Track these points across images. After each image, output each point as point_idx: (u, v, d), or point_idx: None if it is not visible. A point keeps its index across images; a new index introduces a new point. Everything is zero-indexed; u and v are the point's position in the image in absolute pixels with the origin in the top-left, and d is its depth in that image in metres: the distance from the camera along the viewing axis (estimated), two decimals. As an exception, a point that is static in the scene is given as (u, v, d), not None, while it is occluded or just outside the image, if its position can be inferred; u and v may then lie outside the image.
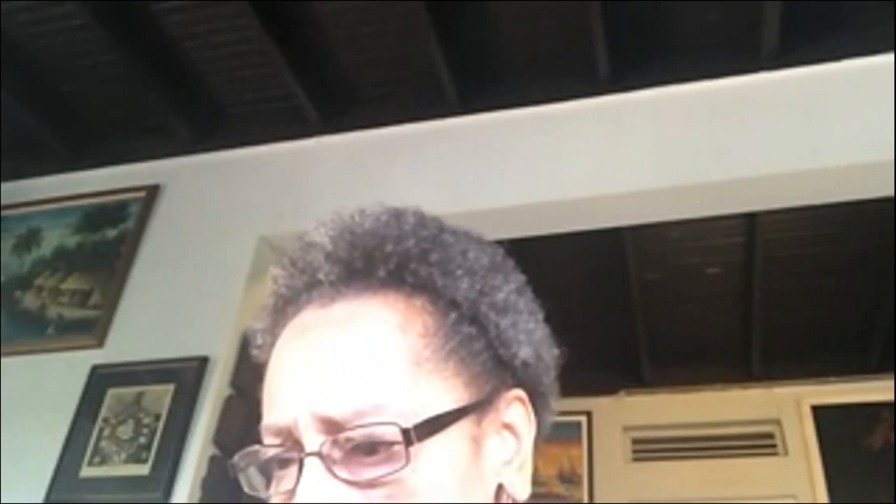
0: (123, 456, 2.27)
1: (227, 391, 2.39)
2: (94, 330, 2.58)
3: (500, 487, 0.59)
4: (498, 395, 0.60)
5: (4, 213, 3.02)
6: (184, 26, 2.65)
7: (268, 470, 0.57)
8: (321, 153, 2.84)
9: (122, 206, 2.89)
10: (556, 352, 0.66)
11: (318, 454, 0.53)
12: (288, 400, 0.56)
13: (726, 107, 2.49)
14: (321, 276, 0.60)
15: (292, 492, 0.54)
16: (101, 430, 2.34)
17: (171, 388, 2.36)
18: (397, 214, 0.62)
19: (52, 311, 2.70)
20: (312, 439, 0.54)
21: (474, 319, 0.59)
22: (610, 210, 2.58)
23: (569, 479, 3.88)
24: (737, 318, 3.73)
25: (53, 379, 2.51)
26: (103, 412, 2.37)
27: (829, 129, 2.36)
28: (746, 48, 2.49)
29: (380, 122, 2.80)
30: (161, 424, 2.30)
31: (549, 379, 0.65)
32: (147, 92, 2.82)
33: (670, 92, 2.56)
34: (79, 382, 2.44)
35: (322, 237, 0.61)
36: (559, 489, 3.83)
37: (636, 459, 4.00)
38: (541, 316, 0.65)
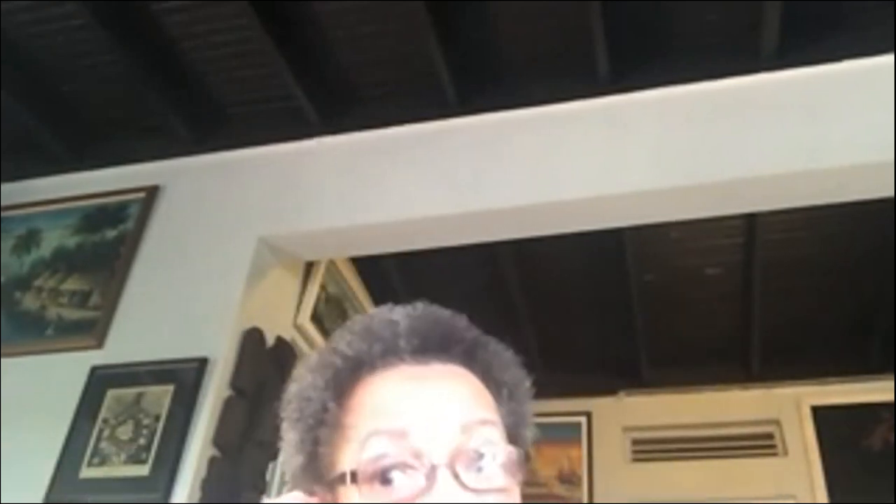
0: (123, 457, 2.27)
1: (227, 392, 2.38)
2: (93, 331, 2.58)
3: None
4: None
5: (4, 213, 3.02)
6: (184, 26, 2.65)
7: (381, 475, 0.67)
8: (321, 153, 2.84)
9: (121, 207, 2.89)
10: None
11: (449, 465, 0.66)
12: (427, 416, 0.69)
13: (726, 107, 2.49)
14: (401, 343, 0.74)
15: (416, 495, 0.65)
16: (101, 430, 2.33)
17: (170, 388, 2.35)
18: (452, 312, 0.78)
19: (52, 312, 2.70)
20: (439, 452, 0.67)
21: (512, 399, 0.76)
22: (610, 210, 2.58)
23: (568, 479, 3.88)
24: (737, 319, 3.73)
25: (53, 380, 2.51)
26: (103, 413, 2.36)
27: (829, 129, 2.36)
28: (746, 48, 2.49)
29: (380, 122, 2.80)
30: (161, 425, 2.29)
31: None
32: (147, 92, 2.82)
33: (670, 92, 2.56)
34: (78, 383, 2.44)
35: (397, 316, 0.76)
36: (559, 490, 3.83)
37: (636, 460, 4.00)
38: None
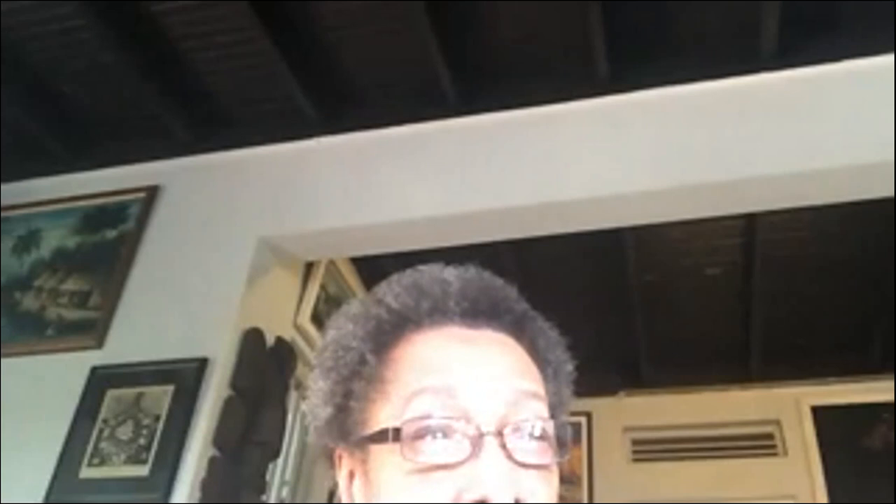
0: (123, 457, 2.27)
1: (227, 392, 2.38)
2: (93, 331, 2.58)
3: None
4: None
5: (4, 214, 3.02)
6: (184, 26, 2.65)
7: (426, 434, 0.64)
8: (321, 153, 2.84)
9: (121, 207, 2.89)
10: None
11: (497, 433, 0.63)
12: (479, 378, 0.66)
13: (726, 107, 2.49)
14: (451, 304, 0.71)
15: (460, 461, 0.62)
16: (101, 430, 2.33)
17: (170, 388, 2.35)
18: (506, 283, 0.76)
19: (52, 312, 2.70)
20: (490, 419, 0.64)
21: (556, 378, 0.74)
22: (610, 211, 2.58)
23: (568, 479, 3.87)
24: (737, 319, 3.73)
25: (53, 380, 2.50)
26: (103, 413, 2.36)
27: (829, 129, 2.36)
28: (746, 48, 2.49)
29: (380, 122, 2.80)
30: (160, 425, 2.29)
31: None
32: (147, 92, 2.82)
33: (670, 92, 2.56)
34: (78, 383, 2.44)
35: (449, 276, 0.73)
36: (559, 490, 3.82)
37: (636, 460, 4.00)
38: None
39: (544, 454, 0.66)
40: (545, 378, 0.72)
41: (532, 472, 0.64)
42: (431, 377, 0.66)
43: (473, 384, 0.66)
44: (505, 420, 0.64)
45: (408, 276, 0.73)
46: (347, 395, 0.69)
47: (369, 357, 0.69)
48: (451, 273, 0.73)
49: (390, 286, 0.73)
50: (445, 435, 0.63)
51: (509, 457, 0.63)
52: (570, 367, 0.76)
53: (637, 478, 3.90)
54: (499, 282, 0.75)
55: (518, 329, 0.73)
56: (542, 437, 0.66)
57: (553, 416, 0.70)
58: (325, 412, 0.70)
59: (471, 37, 2.62)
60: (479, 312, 0.71)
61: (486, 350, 0.69)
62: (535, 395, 0.68)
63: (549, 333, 0.76)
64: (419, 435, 0.63)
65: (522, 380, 0.68)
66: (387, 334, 0.70)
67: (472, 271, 0.74)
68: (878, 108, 2.30)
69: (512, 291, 0.75)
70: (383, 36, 2.65)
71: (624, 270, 3.43)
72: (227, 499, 2.24)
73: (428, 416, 0.64)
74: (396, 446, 0.63)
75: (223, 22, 2.61)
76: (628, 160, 2.50)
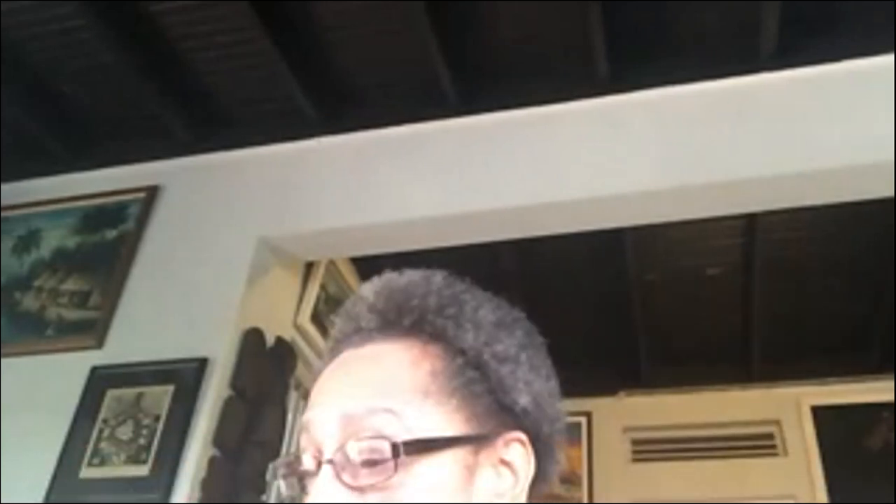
0: (123, 457, 2.27)
1: (227, 392, 2.38)
2: (93, 331, 2.58)
3: None
4: (498, 435, 0.68)
5: (4, 214, 3.02)
6: (184, 27, 2.65)
7: (299, 479, 0.67)
8: (321, 153, 2.84)
9: (121, 207, 2.89)
10: (561, 406, 0.74)
11: (331, 461, 0.63)
12: (322, 408, 0.67)
13: (726, 107, 2.49)
14: (363, 323, 0.71)
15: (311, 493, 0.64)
16: (101, 430, 2.33)
17: (170, 388, 2.35)
18: (428, 275, 0.72)
19: (52, 312, 2.70)
20: (330, 447, 0.64)
21: (478, 366, 0.69)
22: (610, 210, 2.58)
23: (568, 479, 3.88)
24: (737, 319, 3.73)
25: (53, 380, 2.50)
26: (103, 413, 2.36)
27: (829, 129, 2.36)
28: (746, 48, 2.49)
29: (380, 122, 2.80)
30: (160, 425, 2.29)
31: (553, 429, 0.72)
32: (147, 92, 2.81)
33: (670, 92, 2.56)
34: (78, 383, 2.44)
35: (367, 291, 0.73)
36: (559, 490, 3.83)
37: (636, 460, 4.00)
38: (546, 372, 0.74)
39: (380, 472, 0.62)
40: (454, 367, 0.67)
41: (372, 493, 0.61)
42: (307, 412, 0.69)
43: (319, 414, 0.67)
44: (341, 444, 0.64)
45: (347, 301, 0.75)
46: None
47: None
48: (368, 288, 0.73)
49: (340, 309, 0.75)
50: (314, 468, 0.66)
51: (343, 482, 0.62)
52: (501, 345, 0.69)
53: (637, 478, 3.90)
54: (403, 281, 0.71)
55: (417, 328, 0.69)
56: (374, 458, 0.62)
57: (488, 401, 0.67)
58: None
59: (471, 37, 2.62)
60: (385, 324, 0.70)
61: (339, 373, 0.69)
62: (375, 411, 0.64)
63: (469, 317, 0.70)
64: (294, 471, 0.67)
65: (364, 397, 0.65)
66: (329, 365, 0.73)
67: (384, 278, 0.73)
68: (878, 108, 2.30)
69: (422, 286, 0.71)
70: (383, 36, 2.66)
71: (624, 270, 3.43)
72: (227, 499, 2.24)
73: (303, 451, 0.67)
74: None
75: (223, 22, 2.61)
76: (628, 160, 2.50)
